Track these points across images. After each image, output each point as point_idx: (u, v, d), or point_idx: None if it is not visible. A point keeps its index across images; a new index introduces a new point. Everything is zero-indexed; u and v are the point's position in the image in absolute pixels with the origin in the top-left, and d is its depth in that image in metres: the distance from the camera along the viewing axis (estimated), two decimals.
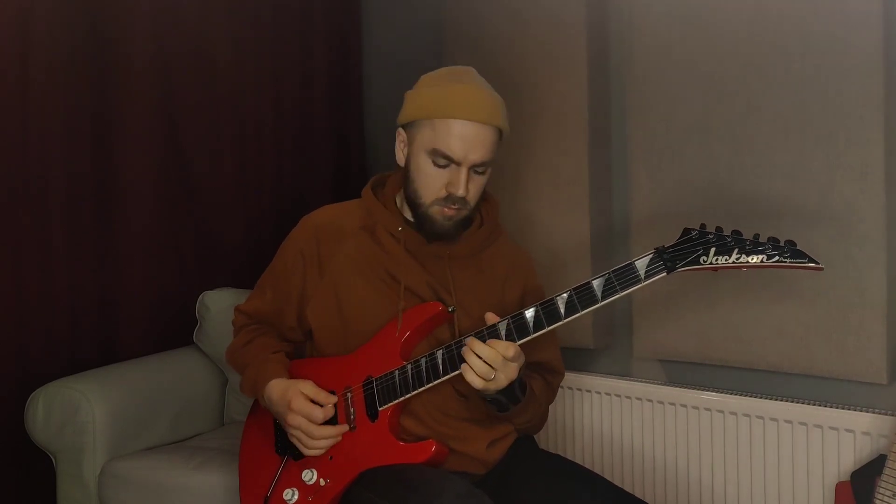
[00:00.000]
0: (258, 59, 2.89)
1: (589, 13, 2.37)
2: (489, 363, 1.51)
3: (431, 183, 1.64)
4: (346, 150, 3.19)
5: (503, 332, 1.55)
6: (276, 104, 2.97)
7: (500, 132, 1.67)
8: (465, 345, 1.54)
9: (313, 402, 1.66)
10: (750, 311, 2.11)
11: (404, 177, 1.71)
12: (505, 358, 1.51)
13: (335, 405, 1.68)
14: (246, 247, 2.87)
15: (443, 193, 1.64)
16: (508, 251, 1.84)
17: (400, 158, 1.72)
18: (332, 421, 1.67)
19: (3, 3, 2.25)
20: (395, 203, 1.77)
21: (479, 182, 1.66)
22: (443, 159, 1.62)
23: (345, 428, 1.66)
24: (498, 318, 1.56)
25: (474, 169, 1.64)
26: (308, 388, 1.67)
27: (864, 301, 1.95)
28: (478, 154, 1.62)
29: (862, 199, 1.94)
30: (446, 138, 1.61)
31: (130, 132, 2.55)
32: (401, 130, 1.70)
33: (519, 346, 1.54)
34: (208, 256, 2.78)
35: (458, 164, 1.62)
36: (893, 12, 1.91)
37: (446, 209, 1.65)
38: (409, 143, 1.68)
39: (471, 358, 1.52)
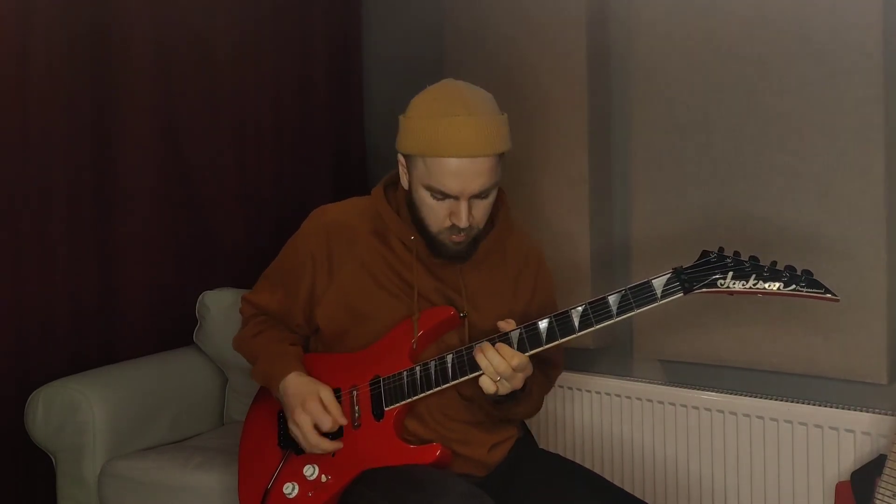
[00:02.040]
0: (258, 59, 2.89)
1: (589, 14, 2.37)
2: (498, 372, 1.52)
3: (434, 214, 1.62)
4: (346, 151, 3.19)
5: (515, 342, 1.55)
6: (276, 104, 2.96)
7: (500, 154, 1.62)
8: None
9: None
10: (750, 310, 2.11)
11: (409, 202, 1.68)
12: (512, 368, 1.52)
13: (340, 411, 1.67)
14: (246, 247, 2.86)
15: (447, 223, 1.61)
16: (520, 245, 1.81)
17: (404, 182, 1.69)
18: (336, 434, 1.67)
19: (2, 2, 2.24)
20: (409, 210, 1.72)
21: (483, 206, 1.62)
22: (440, 194, 1.59)
23: (339, 446, 1.65)
24: (510, 327, 1.56)
25: (477, 196, 1.59)
26: (327, 395, 1.65)
27: (864, 301, 1.95)
28: (475, 185, 1.57)
29: (862, 199, 1.94)
30: (440, 177, 1.56)
31: (130, 132, 2.55)
32: (400, 156, 1.67)
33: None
34: (208, 256, 2.77)
35: (457, 198, 1.58)
36: (893, 12, 1.92)
37: (454, 237, 1.63)
38: (409, 172, 1.65)
39: (482, 362, 1.53)
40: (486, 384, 1.54)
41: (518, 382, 1.55)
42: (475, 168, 1.56)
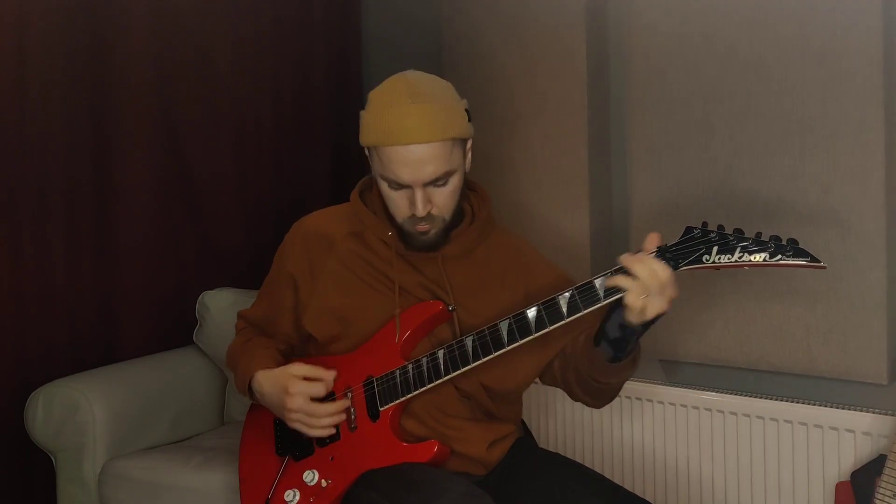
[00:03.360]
0: (258, 61, 2.89)
1: (588, 12, 2.37)
2: (658, 278, 1.40)
3: (396, 205, 1.62)
4: (346, 153, 3.18)
5: (505, 332, 1.54)
6: (276, 105, 2.96)
7: (455, 140, 1.58)
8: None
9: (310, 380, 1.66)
10: (750, 311, 2.11)
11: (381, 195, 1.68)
12: (660, 281, 1.41)
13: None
14: (246, 247, 2.86)
15: (409, 213, 1.61)
16: (504, 243, 1.78)
17: (376, 176, 1.68)
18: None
19: (0, 4, 2.24)
20: (384, 208, 1.72)
21: (444, 193, 1.60)
22: (395, 184, 1.59)
23: (346, 403, 1.64)
24: (654, 244, 1.45)
25: (433, 183, 1.58)
26: (300, 368, 1.66)
27: (864, 301, 1.95)
28: (426, 173, 1.55)
29: (862, 200, 1.94)
30: (391, 166, 1.57)
31: (130, 133, 2.55)
32: (366, 150, 1.66)
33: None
34: (208, 256, 2.77)
35: (410, 186, 1.58)
36: (893, 12, 1.92)
37: (418, 226, 1.62)
38: (371, 165, 1.65)
39: (640, 269, 1.41)
40: (632, 299, 1.41)
41: (666, 303, 1.42)
42: (423, 155, 1.55)
